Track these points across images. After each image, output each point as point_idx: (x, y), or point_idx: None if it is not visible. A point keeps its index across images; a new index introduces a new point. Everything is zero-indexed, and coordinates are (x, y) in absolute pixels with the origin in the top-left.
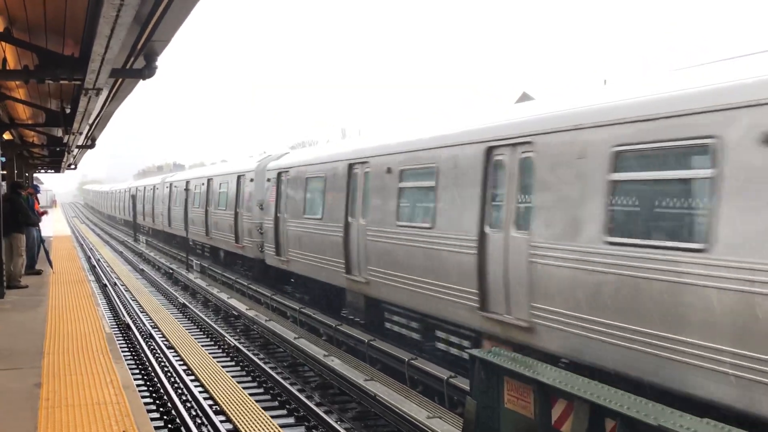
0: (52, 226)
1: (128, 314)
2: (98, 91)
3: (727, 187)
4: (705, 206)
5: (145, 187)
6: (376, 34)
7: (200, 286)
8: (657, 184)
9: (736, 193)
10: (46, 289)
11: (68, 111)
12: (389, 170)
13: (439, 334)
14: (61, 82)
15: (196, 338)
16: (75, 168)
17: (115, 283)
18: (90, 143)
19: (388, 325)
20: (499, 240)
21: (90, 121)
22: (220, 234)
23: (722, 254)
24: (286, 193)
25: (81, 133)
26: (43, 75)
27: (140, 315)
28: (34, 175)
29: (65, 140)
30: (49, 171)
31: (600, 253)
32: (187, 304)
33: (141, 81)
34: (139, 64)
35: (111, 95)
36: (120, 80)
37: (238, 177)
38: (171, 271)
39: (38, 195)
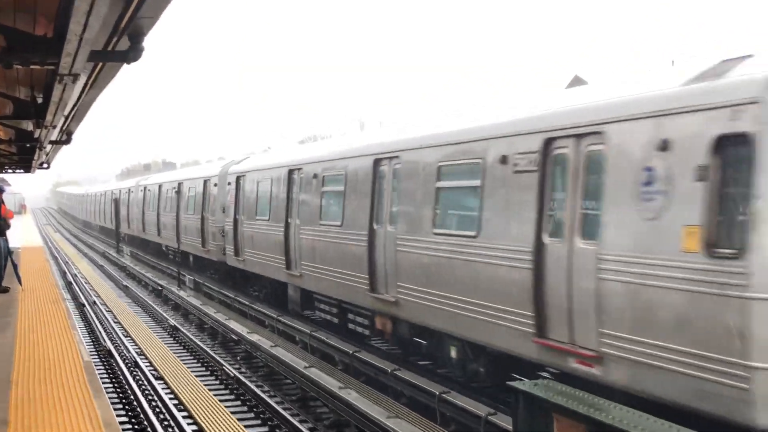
0: (21, 235)
1: (110, 339)
2: (75, 77)
3: (485, 193)
4: (476, 206)
5: (129, 190)
6: (365, 16)
7: (194, 305)
8: (459, 190)
9: (489, 197)
10: (14, 309)
11: (40, 101)
12: (315, 176)
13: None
14: (32, 66)
15: (189, 367)
16: (48, 167)
17: (95, 302)
18: (65, 138)
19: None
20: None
21: (65, 113)
22: (190, 238)
23: (483, 240)
24: (242, 197)
25: (55, 127)
26: (11, 58)
27: (124, 339)
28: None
29: (36, 135)
30: (18, 171)
31: (429, 240)
32: (178, 326)
33: (125, 65)
34: (122, 45)
35: (90, 82)
36: (100, 65)
37: (204, 181)
38: (160, 287)
39: (3, 196)
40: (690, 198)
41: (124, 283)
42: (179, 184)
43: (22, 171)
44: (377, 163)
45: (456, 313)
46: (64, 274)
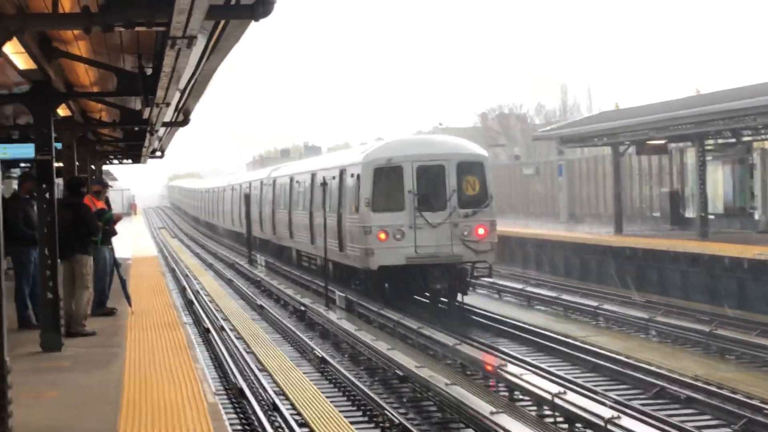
0: (130, 242)
1: (241, 374)
2: (191, 40)
3: (320, 192)
4: (312, 198)
5: (261, 182)
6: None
7: (346, 331)
8: (310, 191)
9: (318, 194)
10: (121, 336)
11: (149, 72)
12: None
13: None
14: (138, 29)
15: (342, 411)
16: (162, 156)
17: (223, 327)
18: (182, 119)
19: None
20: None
21: (181, 86)
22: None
23: (318, 211)
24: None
25: (168, 104)
26: (111, 19)
27: (259, 375)
28: (104, 167)
29: (146, 115)
30: (126, 161)
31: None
32: (327, 358)
33: (252, 23)
34: None
35: (210, 46)
36: (222, 23)
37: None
38: (303, 308)
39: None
40: (353, 193)
41: (259, 302)
42: (312, 175)
43: (130, 161)
44: (312, 175)
45: (311, 242)
46: (183, 291)
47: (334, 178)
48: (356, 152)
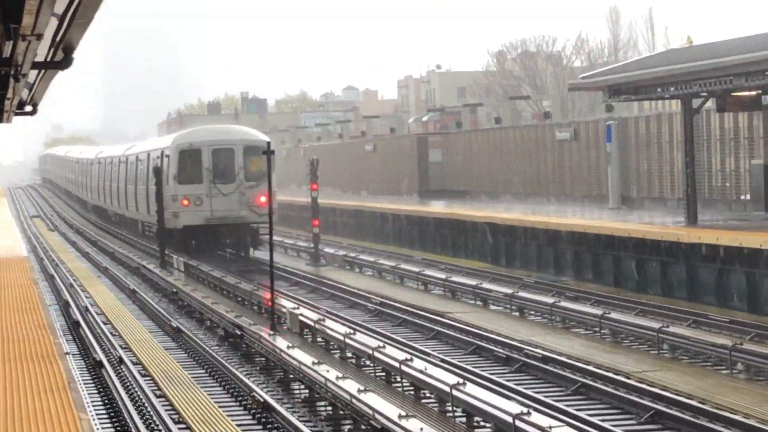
0: None
1: (155, 424)
2: None
3: (134, 169)
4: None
5: (119, 159)
6: None
7: (297, 362)
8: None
9: (132, 171)
10: None
11: None
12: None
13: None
14: None
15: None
16: (34, 112)
17: (121, 359)
18: (62, 58)
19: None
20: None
21: (58, 9)
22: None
23: (131, 185)
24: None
25: (41, 36)
26: None
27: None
28: None
29: (7, 52)
30: None
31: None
32: (275, 406)
33: None
34: None
35: None
36: None
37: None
38: (237, 329)
39: None
40: (167, 169)
41: (176, 320)
42: (148, 155)
43: None
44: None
45: (147, 212)
46: (66, 308)
47: (157, 157)
48: (169, 138)
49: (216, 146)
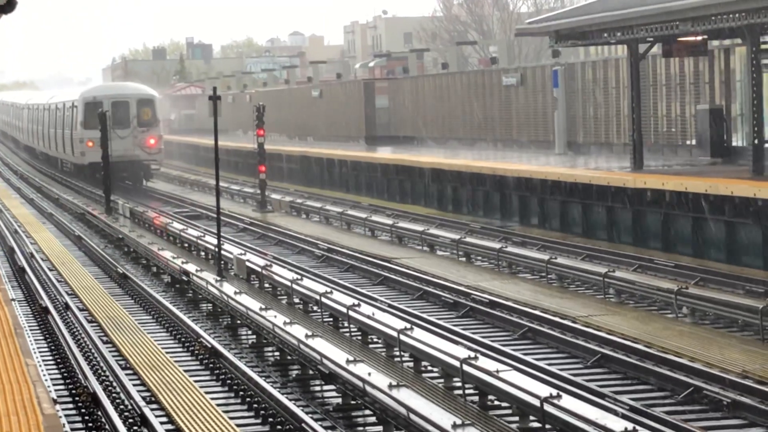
0: None
1: (95, 372)
2: None
3: (57, 115)
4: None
5: (44, 106)
6: None
7: (245, 308)
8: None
9: (53, 117)
10: None
11: None
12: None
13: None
14: None
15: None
16: None
17: (68, 305)
18: (4, 3)
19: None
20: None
21: None
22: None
23: (37, 132)
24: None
25: None
26: None
27: (121, 374)
28: None
29: None
30: None
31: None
32: (222, 352)
33: None
34: None
35: None
36: None
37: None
38: (184, 276)
39: None
40: (76, 117)
41: (122, 269)
42: (64, 104)
43: None
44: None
45: (64, 151)
46: (11, 254)
47: (70, 107)
48: (77, 92)
49: (114, 99)
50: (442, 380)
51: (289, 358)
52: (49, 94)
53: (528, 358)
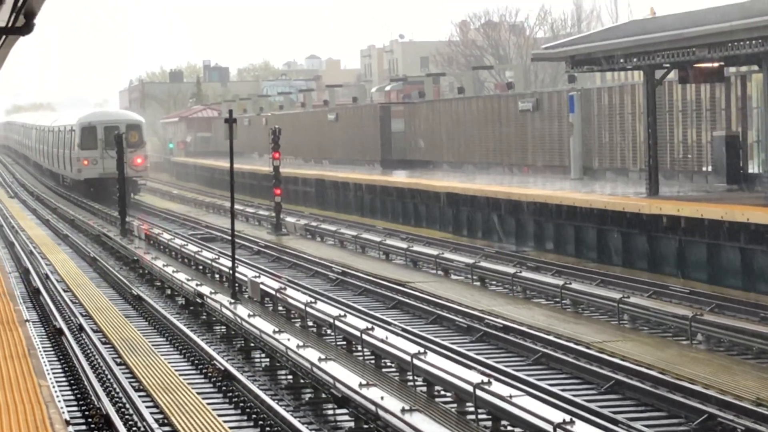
0: None
1: (110, 397)
2: None
3: (51, 139)
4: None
5: (48, 128)
6: None
7: (258, 331)
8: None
9: (46, 138)
10: None
11: None
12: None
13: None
14: None
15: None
16: None
17: (82, 327)
18: (23, 24)
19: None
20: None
21: None
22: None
23: (46, 149)
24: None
25: (1, 1)
26: None
27: (135, 398)
28: None
29: None
30: None
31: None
32: (235, 375)
33: None
34: None
35: None
36: None
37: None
38: (198, 298)
39: None
40: (73, 139)
41: (137, 288)
42: (65, 127)
43: None
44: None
45: (65, 168)
46: (26, 275)
47: (69, 130)
48: (75, 116)
49: (106, 124)
50: (455, 405)
51: (302, 381)
52: (53, 117)
53: (541, 384)
